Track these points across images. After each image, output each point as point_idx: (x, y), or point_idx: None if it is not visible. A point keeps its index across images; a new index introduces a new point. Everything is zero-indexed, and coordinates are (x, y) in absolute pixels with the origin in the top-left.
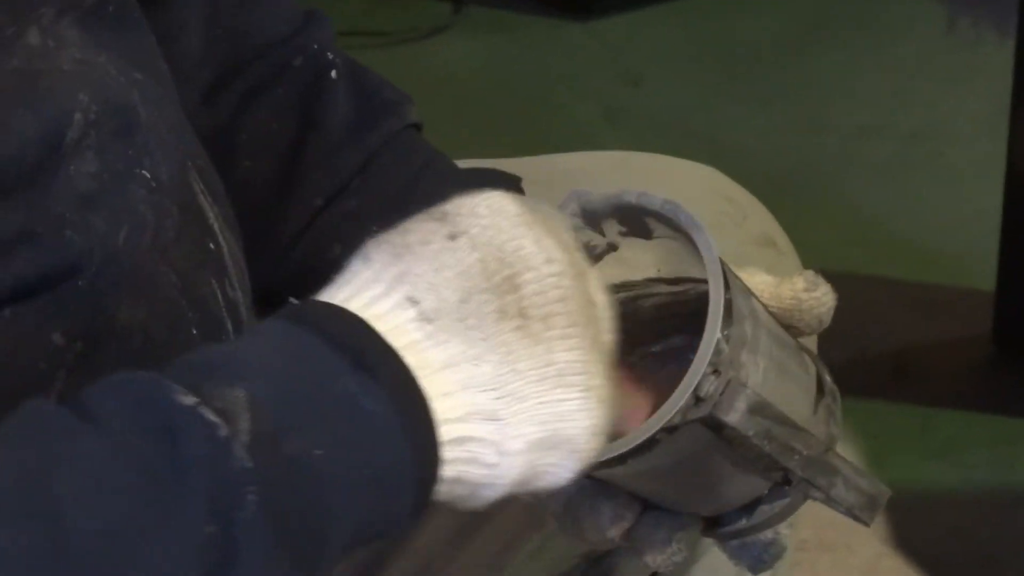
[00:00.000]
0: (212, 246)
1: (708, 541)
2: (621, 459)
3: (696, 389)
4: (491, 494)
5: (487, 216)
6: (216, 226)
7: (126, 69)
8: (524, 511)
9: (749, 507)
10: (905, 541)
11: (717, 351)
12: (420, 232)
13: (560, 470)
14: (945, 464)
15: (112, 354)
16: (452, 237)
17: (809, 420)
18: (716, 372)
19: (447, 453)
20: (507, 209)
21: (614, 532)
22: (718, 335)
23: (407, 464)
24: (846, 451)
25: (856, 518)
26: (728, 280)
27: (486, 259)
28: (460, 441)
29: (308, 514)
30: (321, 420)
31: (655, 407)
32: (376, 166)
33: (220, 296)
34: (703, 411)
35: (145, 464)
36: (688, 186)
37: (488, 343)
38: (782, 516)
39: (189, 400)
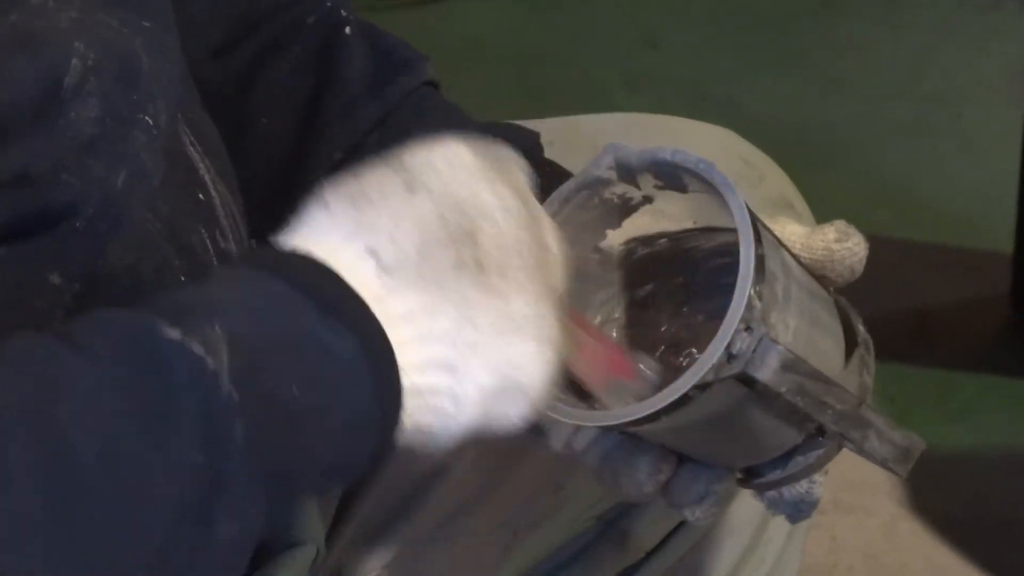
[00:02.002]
0: (201, 196)
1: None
2: (654, 416)
3: (728, 346)
4: (446, 440)
5: (445, 169)
6: (207, 178)
7: (131, 20)
8: (540, 472)
9: (784, 458)
10: (923, 504)
11: (749, 308)
12: (377, 181)
13: (513, 416)
14: (963, 427)
15: (106, 296)
16: (410, 189)
17: (841, 372)
18: (748, 329)
19: (407, 401)
20: (465, 161)
21: (651, 486)
22: (749, 291)
23: (373, 408)
24: None
25: (891, 470)
26: (760, 236)
27: (444, 212)
28: (418, 391)
29: (285, 451)
30: (295, 360)
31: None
32: (394, 121)
33: (210, 246)
34: (735, 368)
35: (138, 393)
36: (705, 148)
37: (445, 295)
38: (817, 466)
39: (174, 334)
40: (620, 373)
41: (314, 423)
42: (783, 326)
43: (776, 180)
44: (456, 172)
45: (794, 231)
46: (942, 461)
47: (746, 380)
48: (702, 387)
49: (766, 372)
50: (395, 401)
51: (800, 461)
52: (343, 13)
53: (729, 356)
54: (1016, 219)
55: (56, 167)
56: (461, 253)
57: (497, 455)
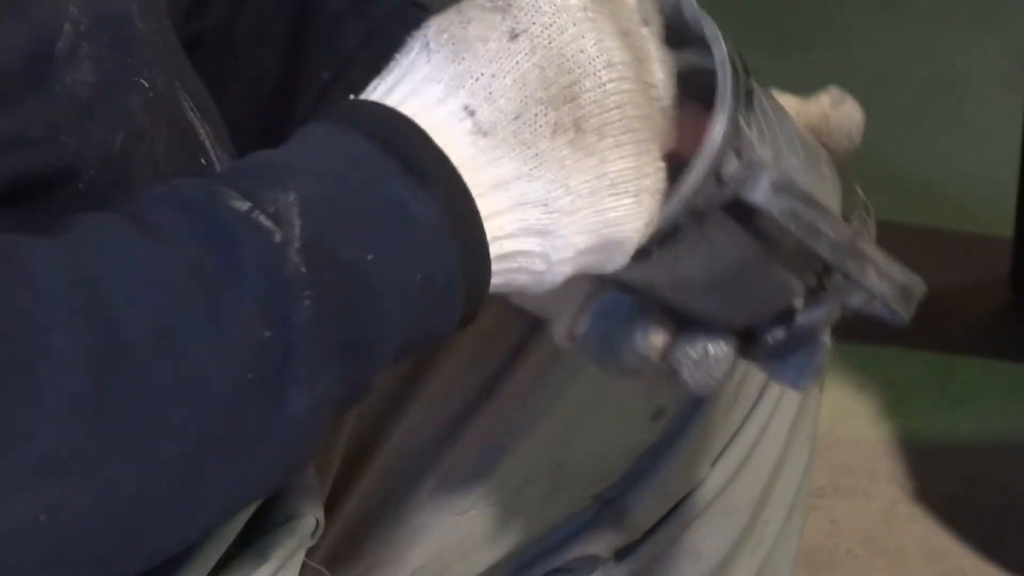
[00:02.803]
0: (204, 162)
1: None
2: (646, 252)
3: (719, 171)
4: (540, 291)
5: (549, 13)
6: (208, 143)
7: None
8: (540, 450)
9: (784, 319)
10: (922, 488)
11: (738, 133)
12: (481, 24)
13: (609, 264)
14: (963, 410)
15: None
16: (513, 35)
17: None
18: (738, 153)
19: (496, 265)
20: (570, 2)
21: (648, 348)
22: (729, 102)
23: (456, 271)
24: (862, 396)
25: (891, 310)
26: (744, 67)
27: (544, 65)
28: (511, 256)
29: (360, 319)
30: (371, 225)
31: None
32: (379, 37)
33: None
34: (726, 193)
35: (199, 269)
36: None
37: (541, 159)
38: (819, 326)
39: (243, 205)
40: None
41: (391, 291)
42: (777, 161)
43: None
44: (561, 19)
45: (787, 101)
46: (941, 445)
47: (738, 212)
48: (695, 216)
49: (758, 193)
50: (481, 267)
51: (801, 321)
52: None
53: (719, 182)
54: (1016, 203)
55: (53, 130)
56: (560, 115)
57: (496, 432)
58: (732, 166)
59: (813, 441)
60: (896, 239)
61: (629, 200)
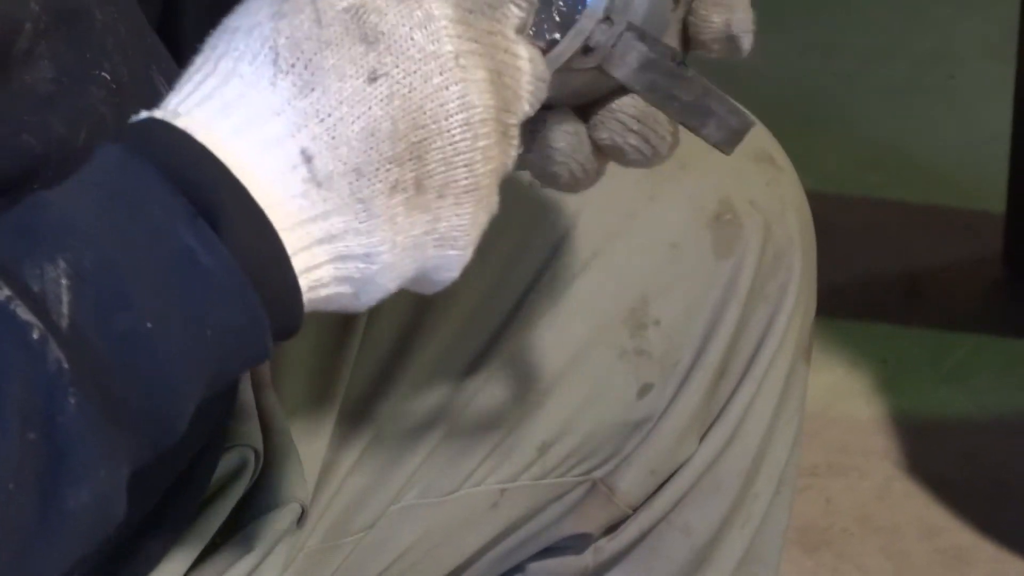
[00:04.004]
0: None
1: None
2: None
3: (587, 39)
4: (365, 307)
5: (417, 59)
6: None
7: None
8: (527, 429)
9: None
10: (917, 465)
11: (612, 2)
12: (340, 53)
13: (428, 289)
14: (956, 387)
15: None
16: (372, 77)
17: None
18: (608, 20)
19: (308, 295)
20: (442, 49)
21: (570, 141)
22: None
23: (257, 317)
24: (856, 374)
25: (717, 148)
26: None
27: (398, 118)
28: (322, 300)
29: (144, 392)
30: (152, 286)
31: None
32: None
33: None
34: (592, 62)
35: None
36: None
37: (373, 216)
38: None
39: (1, 295)
40: None
41: (178, 351)
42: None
43: (758, 136)
44: (429, 64)
45: None
46: (935, 422)
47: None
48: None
49: (623, 71)
50: (290, 309)
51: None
52: None
53: (586, 48)
54: (1008, 179)
55: (16, 127)
56: (403, 172)
57: (479, 413)
58: (601, 35)
59: (801, 414)
60: (887, 216)
61: (454, 253)
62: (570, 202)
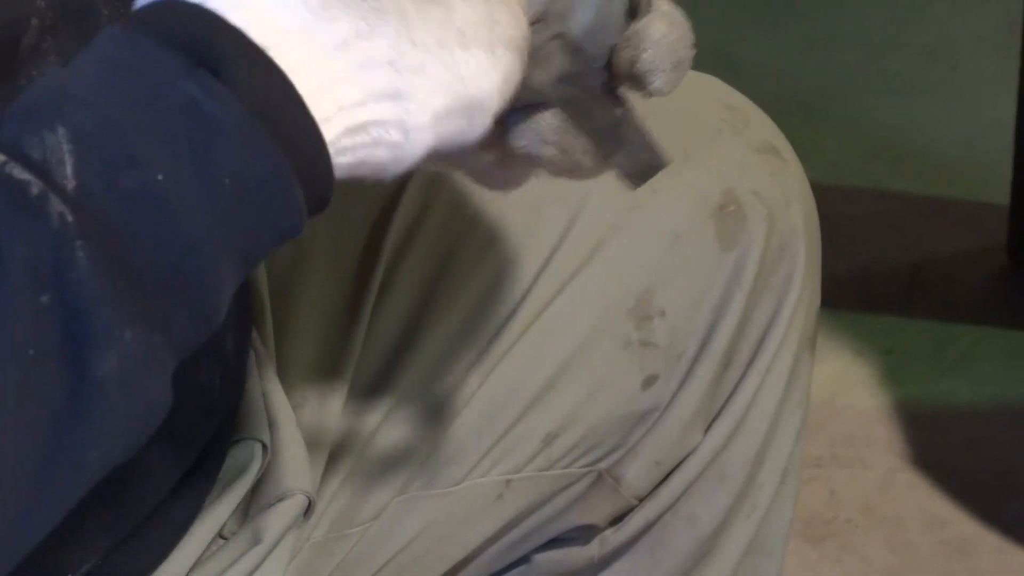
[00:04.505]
0: None
1: None
2: None
3: None
4: (400, 169)
5: None
6: None
7: None
8: (533, 419)
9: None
10: (920, 455)
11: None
12: None
13: (472, 130)
14: (960, 378)
15: None
16: None
17: (618, 33)
18: (540, 23)
19: (347, 139)
20: None
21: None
22: None
23: (276, 162)
24: (860, 365)
25: (623, 179)
26: None
27: None
28: (362, 127)
29: (166, 250)
30: (158, 140)
31: None
32: None
33: None
34: None
35: None
36: (689, 94)
37: (380, 12)
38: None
39: None
40: None
41: (195, 208)
42: (574, 5)
43: (760, 126)
44: None
45: None
46: (939, 412)
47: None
48: None
49: (542, 77)
50: (312, 149)
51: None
52: None
53: None
54: (1012, 170)
55: None
56: None
57: (485, 402)
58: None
59: (806, 405)
60: (890, 207)
61: (482, 52)
62: (574, 193)
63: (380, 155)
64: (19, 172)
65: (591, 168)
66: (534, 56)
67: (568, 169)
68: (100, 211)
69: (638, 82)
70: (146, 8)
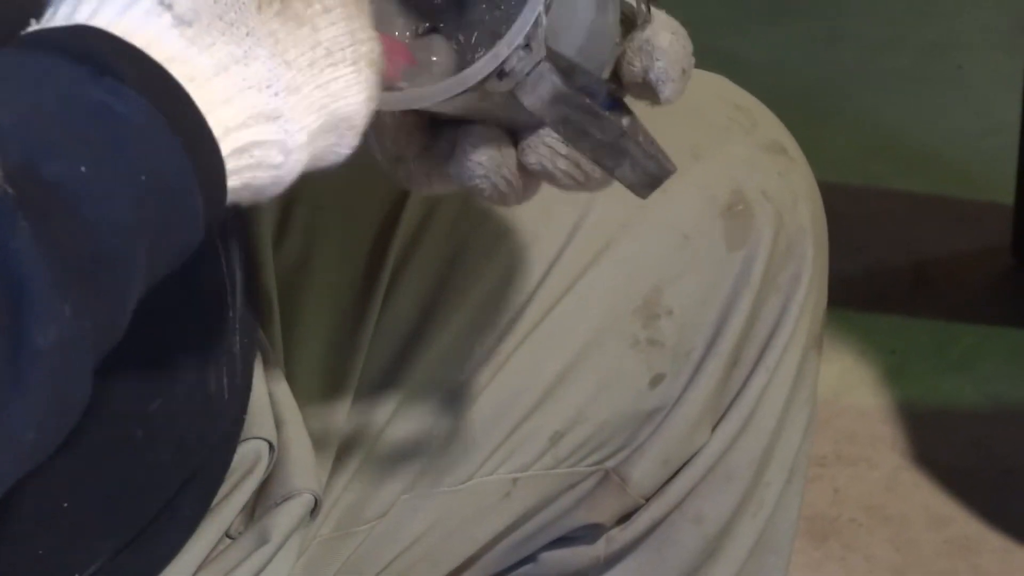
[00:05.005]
0: None
1: None
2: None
3: (504, 63)
4: (278, 190)
5: None
6: None
7: None
8: (539, 420)
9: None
10: (925, 455)
11: (536, 25)
12: None
13: (341, 148)
14: (964, 377)
15: None
16: None
17: (613, 48)
18: (528, 47)
19: (233, 162)
20: None
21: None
22: (540, 8)
23: (183, 162)
24: (864, 364)
25: (631, 191)
26: None
27: None
28: (246, 148)
29: (92, 234)
30: (75, 136)
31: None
32: None
33: None
34: (505, 87)
35: None
36: (696, 93)
37: (253, 37)
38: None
39: None
40: (408, 61)
41: (116, 197)
42: (564, 24)
43: (768, 125)
44: None
45: None
46: (943, 411)
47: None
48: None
49: (534, 100)
50: (210, 155)
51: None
52: None
53: (501, 73)
54: (1016, 169)
55: None
56: None
57: (491, 401)
58: (518, 61)
59: (813, 403)
60: (895, 205)
61: (348, 69)
62: (580, 197)
63: (262, 177)
64: None
65: (602, 180)
66: (523, 81)
67: (579, 183)
68: (30, 196)
69: (649, 92)
70: (36, 31)
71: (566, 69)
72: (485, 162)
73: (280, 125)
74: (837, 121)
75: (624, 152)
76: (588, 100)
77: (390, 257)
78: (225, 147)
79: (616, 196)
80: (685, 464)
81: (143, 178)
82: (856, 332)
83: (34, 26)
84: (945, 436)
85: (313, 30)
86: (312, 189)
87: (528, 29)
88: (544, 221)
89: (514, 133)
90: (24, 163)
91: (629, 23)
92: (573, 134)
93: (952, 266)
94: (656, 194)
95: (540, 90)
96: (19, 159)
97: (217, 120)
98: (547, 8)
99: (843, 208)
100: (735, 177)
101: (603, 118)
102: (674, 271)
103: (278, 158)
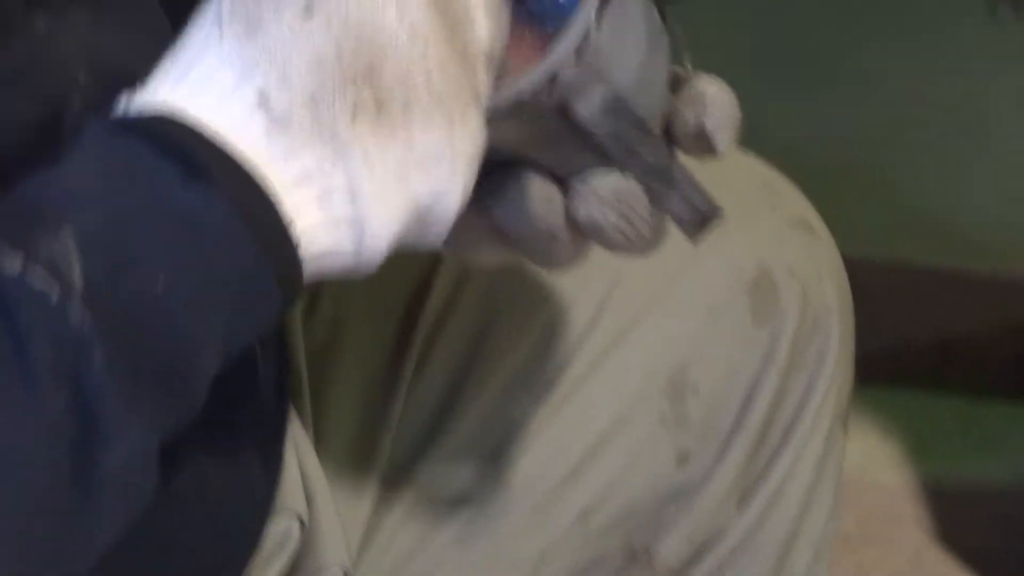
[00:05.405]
0: None
1: None
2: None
3: (555, 74)
4: (359, 276)
5: None
6: None
7: (131, 35)
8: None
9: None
10: (950, 534)
11: (586, 38)
12: None
13: (429, 239)
14: (989, 455)
15: None
16: (308, 10)
17: (663, 97)
18: (579, 58)
19: (310, 264)
20: None
21: (544, 204)
22: (591, 18)
23: (263, 269)
24: (889, 441)
25: (683, 231)
26: None
27: (342, 42)
28: (325, 252)
29: (165, 348)
30: (157, 244)
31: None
32: None
33: None
34: (556, 98)
35: None
36: (723, 169)
37: (342, 144)
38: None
39: (14, 266)
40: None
41: (193, 308)
42: (616, 57)
43: (795, 202)
44: None
45: None
46: (968, 490)
47: (563, 111)
48: (516, 107)
49: (586, 110)
50: (290, 260)
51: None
52: None
53: (552, 85)
54: None
55: None
56: (359, 94)
57: (527, 478)
58: (569, 72)
59: (839, 481)
60: (921, 280)
61: (442, 174)
62: (609, 269)
63: (337, 269)
64: (38, 280)
65: (649, 238)
66: (575, 90)
67: (629, 239)
68: (108, 310)
69: (701, 145)
70: (129, 114)
71: (616, 106)
72: (535, 209)
73: (361, 229)
74: (862, 194)
75: (674, 180)
76: (640, 116)
77: (420, 329)
78: (305, 249)
79: (644, 270)
80: (712, 542)
81: (220, 286)
82: (881, 408)
83: (132, 101)
84: (970, 514)
85: (407, 140)
86: None
87: (579, 40)
88: (573, 296)
89: (561, 182)
90: (104, 276)
91: (674, 84)
92: (624, 152)
93: (978, 343)
94: (684, 267)
95: (592, 99)
96: (99, 271)
97: (298, 226)
98: (599, 24)
99: (868, 283)
100: (761, 253)
101: (655, 138)
102: (701, 347)
103: (353, 258)
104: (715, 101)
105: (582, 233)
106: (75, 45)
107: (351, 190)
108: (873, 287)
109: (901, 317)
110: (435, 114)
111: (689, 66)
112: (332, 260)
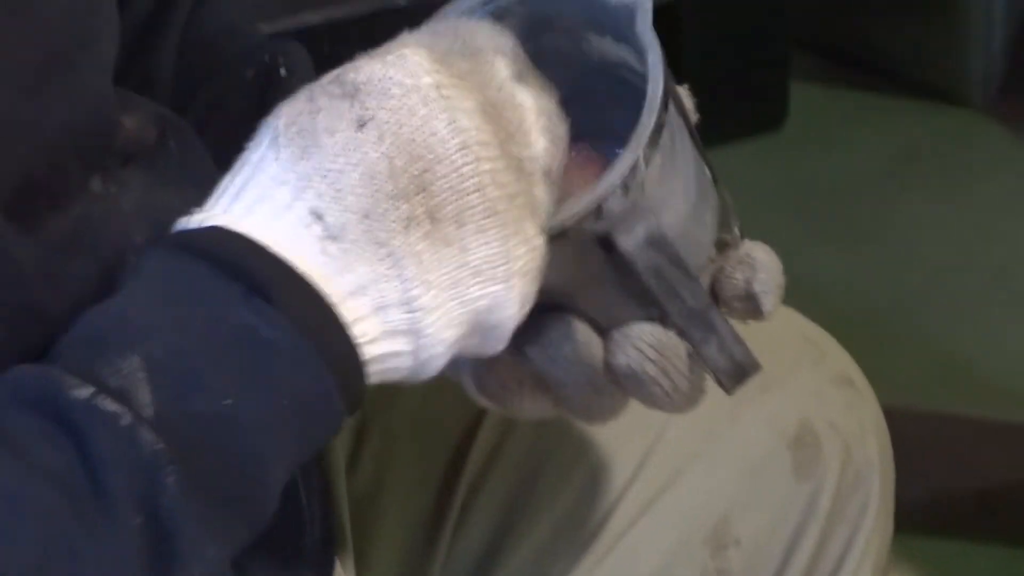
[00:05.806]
0: None
1: None
2: None
3: (602, 204)
4: (417, 381)
5: (398, 95)
6: None
7: (186, 192)
8: None
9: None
10: None
11: (634, 171)
12: (329, 114)
13: (487, 349)
14: None
15: None
16: (360, 124)
17: (707, 247)
18: (626, 189)
19: (368, 368)
20: (421, 81)
21: (584, 350)
22: (637, 153)
23: (327, 383)
24: None
25: (719, 382)
26: (667, 102)
27: (393, 154)
28: (379, 359)
29: (235, 467)
30: (223, 365)
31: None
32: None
33: None
34: (600, 228)
35: (59, 477)
36: (765, 324)
37: (395, 257)
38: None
39: (84, 393)
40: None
41: (259, 424)
42: (663, 200)
43: (837, 358)
44: (410, 101)
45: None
46: None
47: (606, 244)
48: (560, 234)
49: (629, 242)
50: (354, 372)
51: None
52: (279, 58)
53: (598, 214)
54: None
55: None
56: (412, 208)
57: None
58: (616, 203)
59: None
60: (961, 431)
61: (498, 287)
62: (652, 423)
63: (397, 377)
64: (108, 404)
65: (688, 394)
66: (619, 221)
67: (667, 393)
68: (178, 434)
69: (747, 306)
70: (187, 233)
71: (663, 250)
72: (572, 354)
73: (416, 339)
74: (903, 345)
75: (712, 327)
76: (680, 255)
77: (462, 483)
78: (364, 358)
79: (686, 425)
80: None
81: (286, 402)
82: (919, 558)
83: (192, 218)
84: None
85: (462, 251)
86: (385, 414)
87: (627, 172)
88: (616, 448)
89: (602, 333)
90: (173, 402)
91: (721, 247)
92: (664, 291)
93: (1017, 493)
94: (726, 424)
95: (636, 232)
96: (168, 397)
97: (352, 334)
98: (647, 162)
99: (907, 433)
100: (803, 409)
101: (695, 280)
102: (742, 501)
103: (410, 365)
104: (763, 265)
105: (621, 384)
106: (131, 205)
107: (406, 301)
108: (912, 437)
109: (940, 467)
110: (490, 227)
111: (737, 231)
112: (391, 367)
